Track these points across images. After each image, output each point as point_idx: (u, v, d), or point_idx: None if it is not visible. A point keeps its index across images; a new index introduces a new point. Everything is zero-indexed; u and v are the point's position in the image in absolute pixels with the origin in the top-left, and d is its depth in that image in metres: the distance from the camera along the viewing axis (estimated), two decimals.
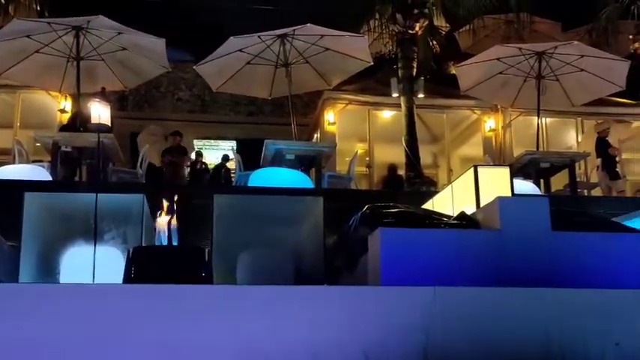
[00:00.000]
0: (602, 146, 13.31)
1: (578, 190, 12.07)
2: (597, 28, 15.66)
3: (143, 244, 5.40)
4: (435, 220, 4.92)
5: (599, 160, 13.07)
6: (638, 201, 11.12)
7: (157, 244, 4.87)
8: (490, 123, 16.26)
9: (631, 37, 15.18)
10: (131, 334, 3.71)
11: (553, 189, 12.16)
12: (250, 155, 12.27)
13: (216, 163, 16.45)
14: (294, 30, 11.64)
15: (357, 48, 12.18)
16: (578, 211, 5.48)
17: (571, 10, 17.43)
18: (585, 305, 4.01)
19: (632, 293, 4.18)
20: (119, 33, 11.24)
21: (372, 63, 12.79)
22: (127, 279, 4.51)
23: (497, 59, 12.68)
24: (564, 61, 12.43)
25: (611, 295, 4.12)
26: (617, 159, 13.56)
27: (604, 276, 4.41)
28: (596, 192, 13.05)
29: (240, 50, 11.99)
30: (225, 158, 15.77)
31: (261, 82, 12.95)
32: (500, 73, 12.98)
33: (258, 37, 11.76)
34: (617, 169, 13.37)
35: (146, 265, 4.56)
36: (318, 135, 16.53)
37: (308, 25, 11.41)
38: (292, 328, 3.83)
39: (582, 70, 12.47)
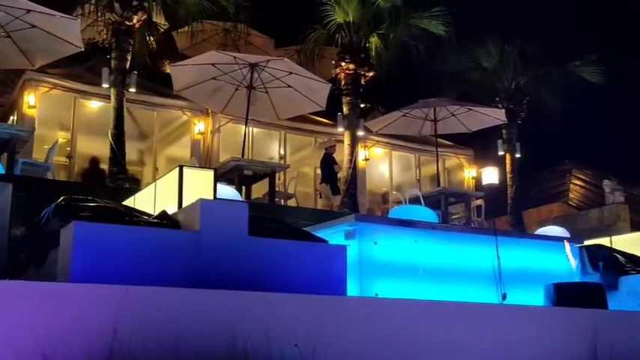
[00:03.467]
0: (327, 162, 14.39)
1: (276, 199, 12.75)
2: (306, 50, 16.76)
3: None
4: (135, 217, 4.80)
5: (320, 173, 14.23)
6: (330, 214, 12.10)
7: None
8: (200, 126, 16.44)
9: (333, 62, 16.50)
10: None
11: (253, 196, 12.70)
12: None
13: None
14: None
15: (68, 30, 11.46)
16: (274, 218, 5.75)
17: (284, 29, 18.47)
18: (271, 308, 4.21)
19: (313, 298, 4.49)
20: None
21: (83, 49, 12.16)
22: None
23: (213, 64, 12.91)
24: (274, 75, 13.09)
25: (295, 298, 4.39)
26: (339, 176, 14.77)
27: (293, 280, 4.69)
28: (292, 202, 13.92)
29: None
30: None
31: None
32: (214, 78, 13.24)
33: None
34: (338, 185, 14.62)
35: None
36: (15, 117, 15.24)
37: None
38: None
39: (289, 86, 13.25)
